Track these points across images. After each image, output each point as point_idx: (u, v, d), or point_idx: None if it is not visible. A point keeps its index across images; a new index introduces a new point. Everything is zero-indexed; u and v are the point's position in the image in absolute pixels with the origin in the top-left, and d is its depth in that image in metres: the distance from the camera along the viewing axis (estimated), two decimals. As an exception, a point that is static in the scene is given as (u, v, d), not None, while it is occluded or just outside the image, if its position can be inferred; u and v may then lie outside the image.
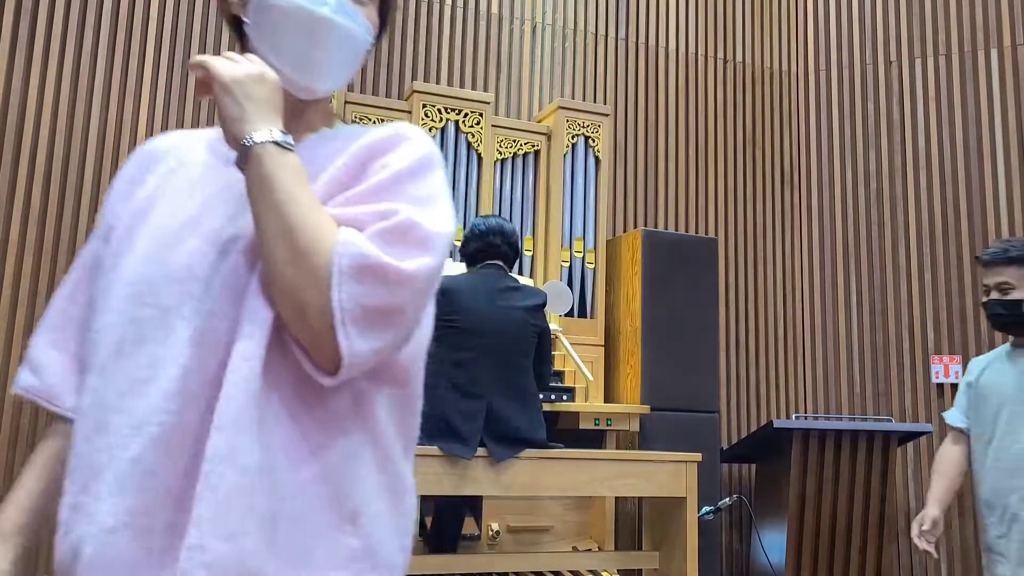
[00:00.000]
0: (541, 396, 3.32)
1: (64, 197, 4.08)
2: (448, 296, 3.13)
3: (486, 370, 3.07)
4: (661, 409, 4.18)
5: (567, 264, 4.43)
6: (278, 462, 0.89)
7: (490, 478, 2.98)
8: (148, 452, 0.88)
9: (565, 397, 3.84)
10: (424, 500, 3.54)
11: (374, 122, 4.26)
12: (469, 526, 3.64)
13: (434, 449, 2.91)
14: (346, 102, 4.19)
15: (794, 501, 4.23)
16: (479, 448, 2.97)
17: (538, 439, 3.08)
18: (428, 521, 3.44)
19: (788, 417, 5.18)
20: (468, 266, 3.36)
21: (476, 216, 4.28)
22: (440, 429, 2.98)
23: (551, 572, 3.42)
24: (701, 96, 5.46)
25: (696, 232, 5.22)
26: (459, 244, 3.42)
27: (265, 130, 0.92)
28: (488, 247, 3.27)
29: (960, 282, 5.03)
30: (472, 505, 3.67)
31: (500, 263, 3.29)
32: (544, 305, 3.28)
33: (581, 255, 4.46)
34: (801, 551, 4.24)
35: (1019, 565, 2.23)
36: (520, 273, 4.31)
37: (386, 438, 0.98)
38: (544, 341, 3.28)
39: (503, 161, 4.50)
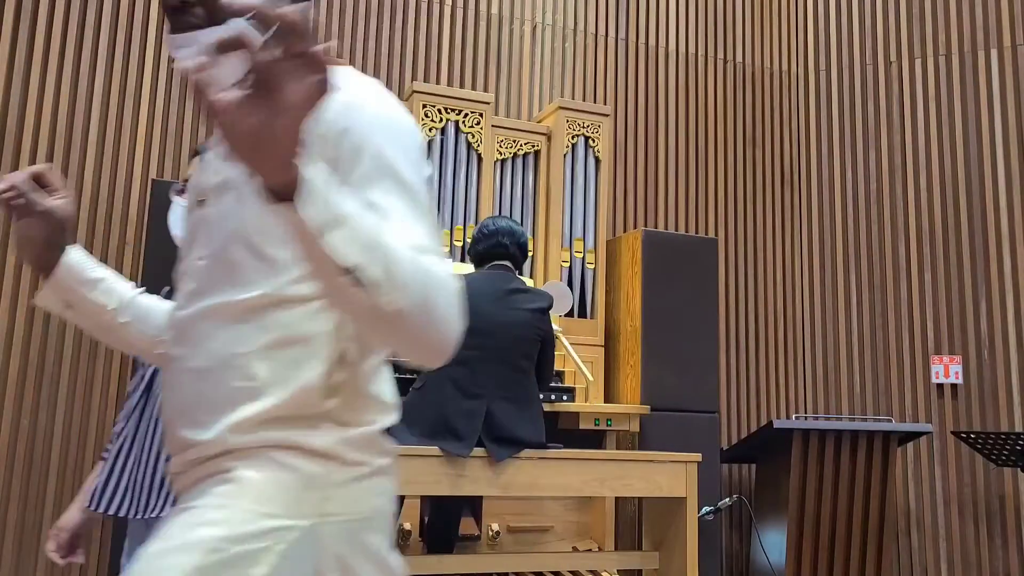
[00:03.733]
0: (541, 396, 3.32)
1: (64, 197, 4.07)
2: None
3: (488, 370, 3.07)
4: (661, 409, 4.17)
5: (567, 264, 4.43)
6: None
7: (489, 478, 2.98)
8: None
9: (565, 397, 3.84)
10: (422, 500, 3.54)
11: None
12: (469, 526, 3.64)
13: (433, 449, 2.92)
14: (346, 102, 4.18)
15: (794, 501, 4.23)
16: (478, 448, 2.97)
17: (536, 441, 3.08)
18: (427, 520, 3.44)
19: (788, 417, 5.17)
20: (476, 266, 3.37)
21: (477, 217, 4.29)
22: (439, 427, 2.99)
23: (551, 572, 3.42)
24: (701, 96, 5.46)
25: (696, 232, 5.22)
26: (469, 243, 3.42)
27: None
28: (497, 247, 3.28)
29: (960, 282, 5.03)
30: (472, 505, 3.67)
31: (508, 264, 3.30)
32: (550, 308, 3.29)
33: (581, 255, 4.46)
34: (801, 551, 4.24)
35: None
36: (521, 272, 4.31)
37: None
38: (548, 346, 3.28)
39: (503, 161, 4.50)
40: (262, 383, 1.02)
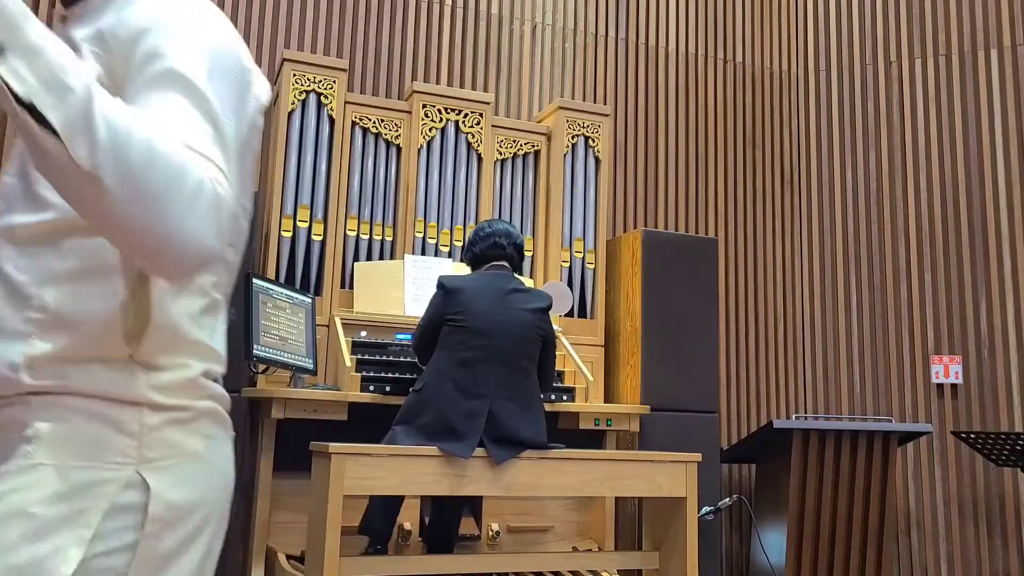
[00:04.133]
0: (542, 396, 3.32)
1: (64, 197, 4.07)
2: (455, 296, 3.15)
3: (489, 371, 3.07)
4: (661, 409, 4.18)
5: (567, 264, 4.43)
6: None
7: (490, 478, 2.98)
8: None
9: (565, 397, 3.84)
10: (422, 500, 3.55)
11: (374, 122, 4.26)
12: (469, 526, 3.64)
13: (433, 449, 2.92)
14: (346, 102, 4.18)
15: (794, 501, 4.23)
16: (479, 448, 2.97)
17: (538, 442, 3.08)
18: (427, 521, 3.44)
19: (788, 417, 5.18)
20: (473, 268, 3.38)
21: (477, 217, 4.29)
22: (440, 428, 2.99)
23: (551, 572, 3.42)
24: (701, 96, 5.46)
25: (696, 232, 5.22)
26: (464, 246, 3.45)
27: None
28: (494, 247, 3.30)
29: (960, 282, 5.03)
30: (472, 505, 3.67)
31: (506, 265, 3.32)
32: (549, 308, 3.30)
33: (581, 255, 4.46)
34: (801, 551, 4.24)
35: None
36: (520, 273, 4.32)
37: None
38: (549, 346, 3.29)
39: (503, 161, 4.50)
40: (56, 316, 0.92)
